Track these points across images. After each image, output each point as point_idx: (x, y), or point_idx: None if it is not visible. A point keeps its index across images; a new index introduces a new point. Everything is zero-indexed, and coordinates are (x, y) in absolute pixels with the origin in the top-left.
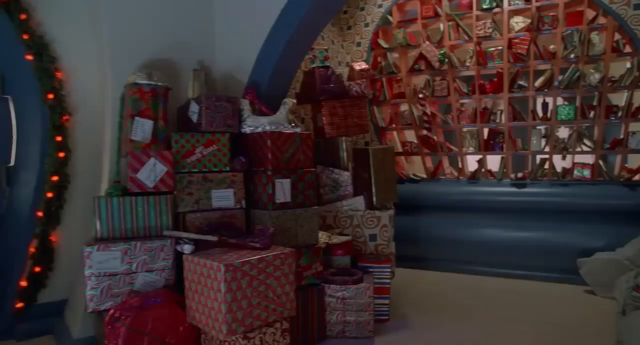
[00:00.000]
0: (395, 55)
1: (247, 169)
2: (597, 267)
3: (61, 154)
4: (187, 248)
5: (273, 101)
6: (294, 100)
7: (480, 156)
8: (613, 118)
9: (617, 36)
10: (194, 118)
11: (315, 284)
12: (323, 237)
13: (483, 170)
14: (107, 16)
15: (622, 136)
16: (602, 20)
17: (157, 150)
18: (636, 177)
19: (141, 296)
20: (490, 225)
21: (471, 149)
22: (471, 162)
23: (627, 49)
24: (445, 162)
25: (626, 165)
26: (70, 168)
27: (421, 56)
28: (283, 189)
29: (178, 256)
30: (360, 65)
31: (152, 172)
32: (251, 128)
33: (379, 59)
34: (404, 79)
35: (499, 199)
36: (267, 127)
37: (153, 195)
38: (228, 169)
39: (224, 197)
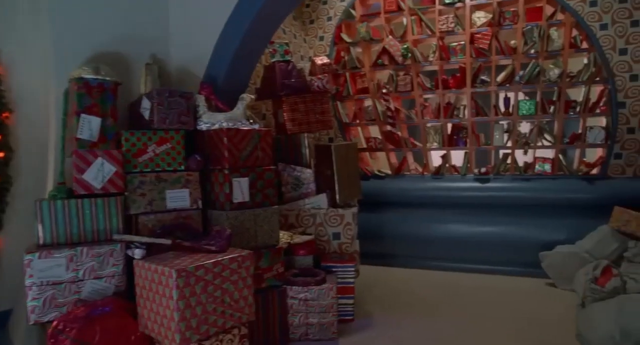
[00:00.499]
0: (359, 49)
1: (203, 167)
2: (558, 260)
3: (1, 154)
4: (137, 253)
5: (231, 97)
6: (252, 96)
7: (444, 151)
8: (572, 113)
9: (574, 32)
10: (146, 115)
11: (277, 286)
12: (284, 237)
13: (447, 165)
14: (50, 4)
15: (580, 131)
16: (560, 16)
17: (105, 149)
18: (594, 171)
19: (88, 305)
20: (455, 220)
21: (435, 145)
22: (435, 158)
23: (584, 45)
24: (410, 158)
25: (584, 159)
26: (12, 169)
27: (384, 51)
28: (241, 188)
29: (129, 261)
30: (321, 60)
31: (99, 172)
32: (207, 125)
33: (342, 53)
34: (367, 74)
35: (463, 194)
36: (224, 124)
37: (101, 197)
38: (183, 168)
39: (179, 198)
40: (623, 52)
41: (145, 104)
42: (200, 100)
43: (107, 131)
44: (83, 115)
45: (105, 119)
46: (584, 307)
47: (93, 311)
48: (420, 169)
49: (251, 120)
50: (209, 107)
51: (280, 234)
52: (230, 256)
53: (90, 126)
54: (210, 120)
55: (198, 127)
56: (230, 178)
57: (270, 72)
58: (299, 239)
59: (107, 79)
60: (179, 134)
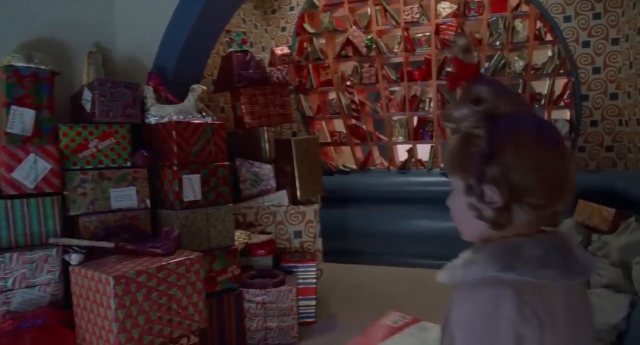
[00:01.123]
0: (322, 40)
1: (150, 163)
2: None
3: None
4: (74, 258)
5: (182, 88)
6: (204, 87)
7: (410, 145)
8: (537, 106)
9: (539, 24)
10: (87, 107)
11: (232, 289)
12: (242, 236)
13: (413, 160)
14: None
15: None
16: (525, 7)
17: (39, 145)
18: None
19: (17, 318)
20: (422, 216)
21: (401, 138)
22: (402, 152)
23: (549, 37)
24: (376, 152)
25: None
26: None
27: (348, 42)
28: (192, 186)
29: (67, 268)
30: (281, 50)
31: (32, 170)
32: (156, 118)
33: (305, 44)
34: (331, 66)
35: (430, 189)
36: (174, 117)
37: (35, 197)
38: (129, 164)
39: (124, 197)
40: (586, 44)
41: (87, 95)
42: (148, 92)
43: (43, 125)
44: (14, 107)
45: (40, 112)
46: None
47: (22, 324)
48: (386, 164)
49: (203, 113)
50: (158, 99)
51: (237, 234)
52: (177, 260)
53: (22, 119)
54: (159, 113)
55: (146, 121)
56: (179, 175)
57: (227, 63)
58: (257, 238)
59: (42, 67)
60: (124, 128)
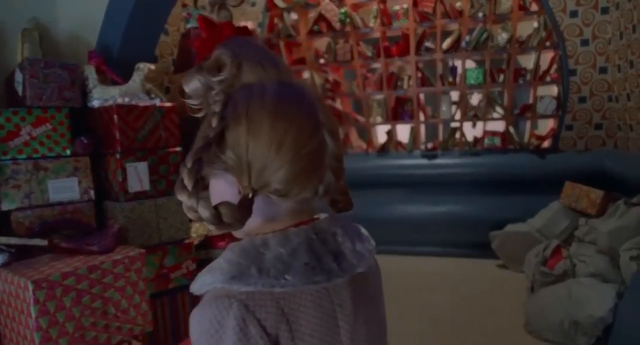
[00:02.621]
0: (294, 16)
1: (91, 151)
2: (508, 240)
3: None
4: None
5: (130, 68)
6: (151, 66)
7: (389, 126)
8: (522, 82)
9: None
10: (19, 90)
11: (188, 285)
12: (200, 228)
13: (393, 141)
14: None
15: (530, 101)
16: None
17: None
18: (545, 144)
19: None
20: (401, 200)
21: (379, 119)
22: (381, 134)
23: (534, 7)
24: (354, 135)
25: (536, 131)
26: None
27: (321, 16)
28: (138, 175)
29: None
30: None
31: None
32: (99, 101)
33: (276, 20)
34: (303, 43)
35: (409, 172)
36: (119, 100)
37: None
38: (69, 152)
39: (65, 188)
40: (573, 14)
41: (18, 77)
42: (90, 72)
43: None
44: None
45: None
46: (533, 292)
47: None
48: (364, 146)
49: (152, 95)
50: (102, 80)
51: (197, 225)
52: (114, 258)
53: None
54: (102, 96)
55: (89, 104)
56: (123, 163)
57: (185, 41)
58: None
59: None
60: (61, 113)
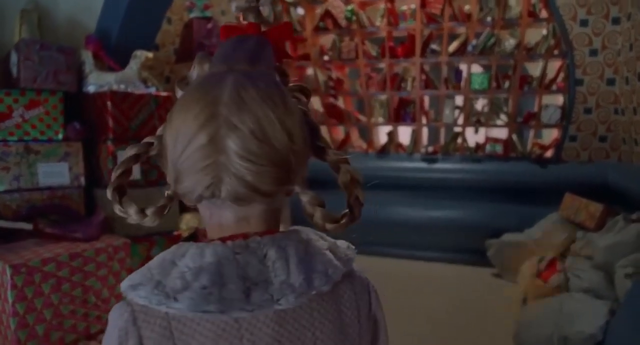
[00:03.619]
0: (300, 11)
1: (83, 137)
2: (504, 249)
3: None
4: None
5: (128, 55)
6: (149, 54)
7: (391, 128)
8: (527, 89)
9: None
10: (14, 71)
11: None
12: (191, 221)
13: (393, 143)
14: None
15: (535, 109)
16: None
17: None
18: (547, 154)
19: None
20: (398, 203)
21: (381, 119)
22: (382, 134)
23: (544, 14)
24: (355, 134)
25: (539, 140)
26: None
27: (327, 13)
28: None
29: None
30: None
31: None
32: (95, 86)
33: (282, 14)
34: (309, 39)
35: (409, 175)
36: (115, 86)
37: None
38: (61, 137)
39: (55, 173)
40: (584, 23)
41: (13, 58)
42: (87, 57)
43: None
44: None
45: None
46: (525, 304)
47: None
48: (364, 146)
49: (149, 83)
50: (99, 66)
51: (188, 217)
52: (98, 246)
53: None
54: (98, 82)
55: (84, 90)
56: (114, 151)
57: (187, 31)
58: None
59: None
60: (55, 97)
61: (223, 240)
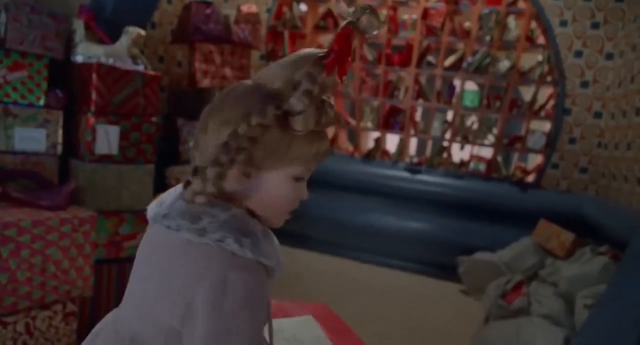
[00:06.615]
0: (304, 7)
1: (64, 105)
2: (474, 267)
3: None
4: None
5: (120, 30)
6: (141, 31)
7: (379, 134)
8: (516, 112)
9: (533, 24)
10: (1, 31)
11: None
12: None
13: (380, 149)
14: None
15: (522, 133)
16: (522, 4)
17: None
18: (529, 178)
19: None
20: (376, 210)
21: (369, 124)
22: (370, 139)
23: (541, 40)
24: (343, 136)
25: (523, 164)
26: None
27: (329, 13)
28: (108, 138)
29: None
30: (248, 8)
31: None
32: (82, 57)
33: (285, 9)
34: (308, 36)
35: (390, 183)
36: (103, 59)
37: None
38: (42, 103)
39: (31, 139)
40: (578, 54)
41: (2, 17)
42: (78, 27)
43: None
44: None
45: None
46: (486, 323)
47: None
48: (351, 149)
49: (139, 60)
50: (90, 37)
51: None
52: (63, 217)
53: None
54: (86, 53)
55: (72, 59)
56: (94, 123)
57: (186, 13)
58: None
59: None
60: (41, 62)
61: None
